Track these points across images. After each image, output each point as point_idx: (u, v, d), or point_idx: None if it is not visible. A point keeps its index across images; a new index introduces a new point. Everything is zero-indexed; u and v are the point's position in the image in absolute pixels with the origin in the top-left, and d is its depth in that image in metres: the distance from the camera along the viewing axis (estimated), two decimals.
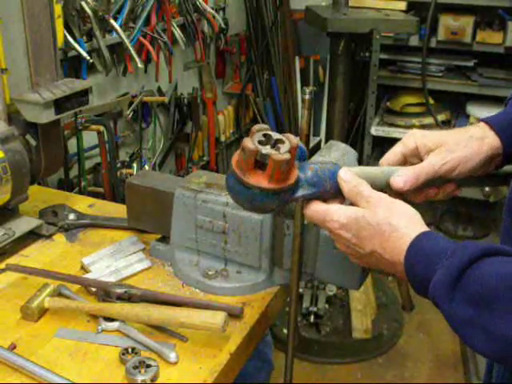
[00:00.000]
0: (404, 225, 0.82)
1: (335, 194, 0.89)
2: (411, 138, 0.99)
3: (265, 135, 0.83)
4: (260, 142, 0.82)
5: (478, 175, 0.99)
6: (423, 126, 3.01)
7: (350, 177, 0.87)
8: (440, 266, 0.74)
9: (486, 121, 0.99)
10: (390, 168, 0.95)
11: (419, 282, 0.78)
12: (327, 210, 0.87)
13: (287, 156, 0.81)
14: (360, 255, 0.87)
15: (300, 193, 0.87)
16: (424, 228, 0.81)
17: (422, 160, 0.97)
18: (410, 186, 0.91)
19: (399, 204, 0.85)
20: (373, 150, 3.24)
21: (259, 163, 0.83)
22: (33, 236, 1.35)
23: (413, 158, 0.98)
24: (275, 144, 0.83)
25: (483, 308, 0.70)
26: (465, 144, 0.96)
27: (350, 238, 0.85)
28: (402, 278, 0.83)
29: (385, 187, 0.92)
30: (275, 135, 0.84)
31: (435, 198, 1.00)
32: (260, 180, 0.83)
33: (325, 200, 0.89)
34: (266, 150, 0.81)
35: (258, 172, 0.83)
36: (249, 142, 0.81)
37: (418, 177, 0.92)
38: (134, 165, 2.46)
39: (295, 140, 0.84)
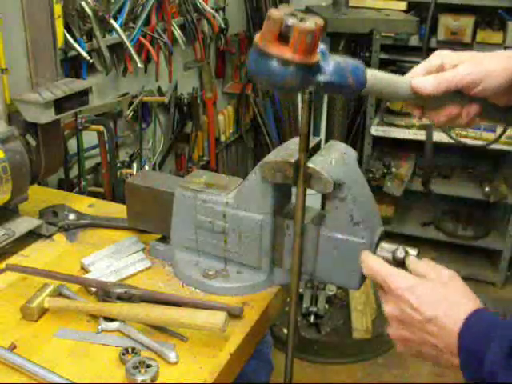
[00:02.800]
0: (463, 299, 0.83)
1: (358, 90, 0.89)
2: (437, 56, 0.98)
3: (291, 14, 0.82)
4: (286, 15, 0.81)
5: (502, 106, 0.98)
6: (423, 126, 3.01)
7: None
8: (494, 339, 0.75)
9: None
10: (406, 77, 0.96)
11: (473, 359, 0.78)
12: (390, 270, 0.89)
13: (312, 26, 0.80)
14: (414, 326, 0.84)
15: (322, 78, 0.86)
16: (478, 303, 0.83)
17: None
18: (432, 89, 0.91)
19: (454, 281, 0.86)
20: (373, 150, 3.24)
21: (284, 37, 0.82)
22: (33, 236, 1.35)
23: None
24: (301, 20, 0.82)
25: None
26: (493, 58, 0.95)
27: (412, 301, 0.84)
28: (451, 362, 0.82)
29: (406, 94, 0.94)
30: (301, 14, 0.83)
31: (458, 122, 0.98)
32: (283, 51, 0.82)
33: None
34: (292, 20, 0.81)
35: (283, 44, 0.82)
36: (275, 11, 0.81)
37: (439, 81, 0.92)
38: (134, 165, 2.46)
39: (320, 22, 0.83)
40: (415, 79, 0.93)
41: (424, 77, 0.93)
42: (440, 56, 0.97)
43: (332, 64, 0.87)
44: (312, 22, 0.81)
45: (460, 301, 0.82)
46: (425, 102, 0.99)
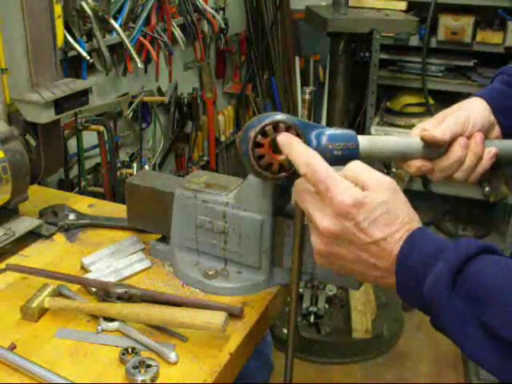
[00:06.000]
0: (408, 216, 0.77)
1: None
2: (415, 130, 1.02)
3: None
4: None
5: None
6: None
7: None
8: (439, 262, 0.71)
9: (476, 95, 1.07)
10: (403, 139, 1.00)
11: (413, 277, 0.73)
12: (333, 175, 0.77)
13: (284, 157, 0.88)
14: (353, 245, 0.77)
15: None
16: (419, 220, 0.78)
17: None
18: (441, 134, 0.96)
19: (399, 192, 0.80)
20: None
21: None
22: (33, 236, 1.34)
23: None
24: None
25: (481, 304, 0.67)
26: (464, 104, 1.05)
27: (359, 219, 0.75)
28: (384, 280, 0.78)
29: (413, 149, 0.97)
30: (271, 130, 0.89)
31: (482, 164, 1.03)
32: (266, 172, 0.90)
33: None
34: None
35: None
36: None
37: (444, 130, 0.97)
38: (134, 165, 2.46)
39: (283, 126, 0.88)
40: (428, 133, 0.97)
41: (435, 129, 0.98)
42: (417, 128, 1.03)
43: None
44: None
45: (403, 218, 0.76)
46: (433, 155, 1.00)
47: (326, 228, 0.77)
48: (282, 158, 0.88)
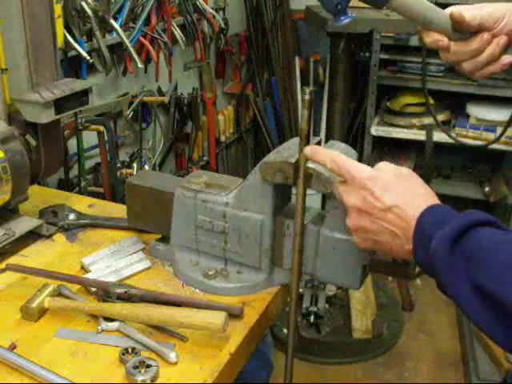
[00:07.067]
0: (424, 193, 0.88)
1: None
2: (449, 9, 1.02)
3: None
4: None
5: None
6: (423, 126, 3.01)
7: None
8: (446, 226, 0.79)
9: None
10: (435, 7, 0.99)
11: (426, 240, 0.80)
12: (354, 162, 0.92)
13: None
14: (373, 215, 0.88)
15: None
16: (437, 200, 0.88)
17: None
18: (474, 19, 0.97)
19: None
20: (373, 150, 3.24)
21: None
22: (33, 236, 1.35)
23: None
24: None
25: (477, 265, 0.74)
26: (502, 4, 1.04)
27: (373, 189, 0.87)
28: (404, 248, 0.86)
29: (438, 21, 0.97)
30: None
31: (492, 69, 1.04)
32: None
33: None
34: None
35: None
36: None
37: (475, 15, 0.97)
38: (134, 165, 2.46)
39: None
40: (456, 9, 0.98)
41: (462, 9, 0.99)
42: (452, 7, 1.02)
43: None
44: None
45: (421, 193, 0.88)
46: (454, 36, 1.01)
47: (350, 203, 0.91)
48: None
